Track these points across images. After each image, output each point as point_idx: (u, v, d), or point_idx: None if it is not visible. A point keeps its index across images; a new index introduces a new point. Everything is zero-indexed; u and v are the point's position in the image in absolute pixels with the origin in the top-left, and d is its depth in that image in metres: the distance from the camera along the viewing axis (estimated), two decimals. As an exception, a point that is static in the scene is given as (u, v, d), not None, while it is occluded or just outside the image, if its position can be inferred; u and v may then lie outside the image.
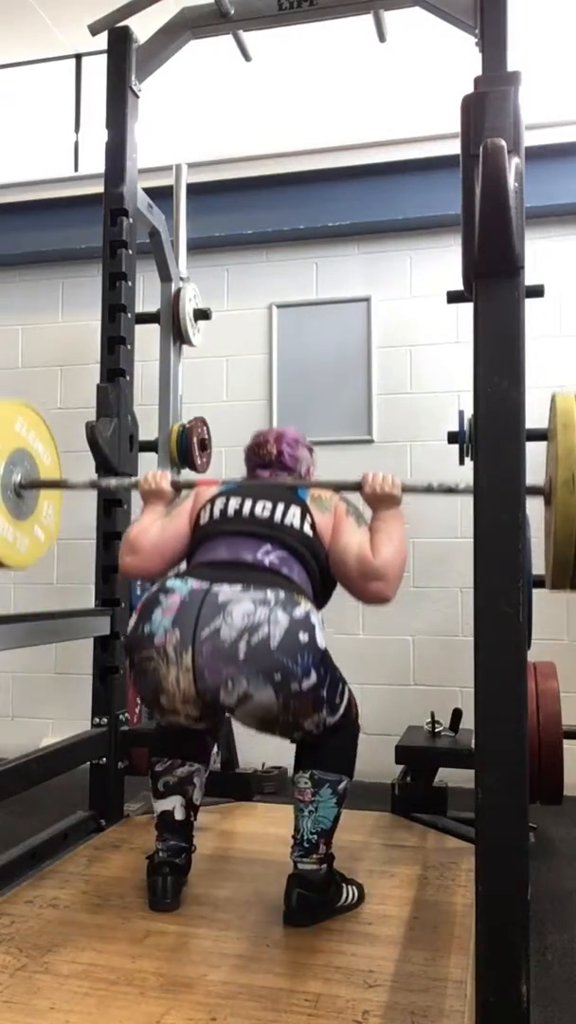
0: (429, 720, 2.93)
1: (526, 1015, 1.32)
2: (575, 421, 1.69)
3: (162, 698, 1.79)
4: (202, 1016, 1.50)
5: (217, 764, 3.00)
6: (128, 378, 2.81)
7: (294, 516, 2.01)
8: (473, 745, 1.53)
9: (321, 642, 1.81)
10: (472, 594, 1.46)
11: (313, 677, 1.77)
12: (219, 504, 2.06)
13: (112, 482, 2.47)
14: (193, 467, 3.38)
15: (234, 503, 2.05)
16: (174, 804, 2.01)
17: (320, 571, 2.01)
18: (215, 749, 3.00)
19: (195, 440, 3.33)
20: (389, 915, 1.96)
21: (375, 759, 3.76)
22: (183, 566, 2.11)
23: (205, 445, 3.44)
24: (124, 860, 2.30)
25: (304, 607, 1.81)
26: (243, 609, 1.74)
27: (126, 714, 2.77)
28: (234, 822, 2.69)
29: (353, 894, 2.00)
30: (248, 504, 2.03)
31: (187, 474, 3.42)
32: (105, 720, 2.68)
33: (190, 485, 2.24)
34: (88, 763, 2.64)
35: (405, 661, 3.94)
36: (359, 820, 2.66)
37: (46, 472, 2.38)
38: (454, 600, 3.88)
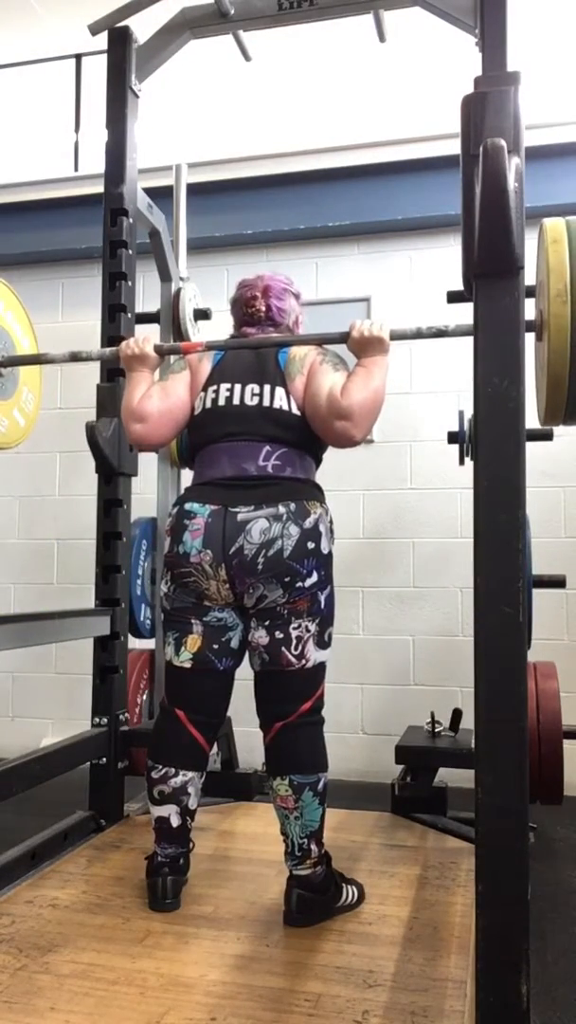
0: (429, 720, 2.93)
1: (526, 1015, 1.32)
2: (563, 236, 1.76)
3: (205, 601, 1.99)
4: (202, 1016, 1.50)
5: (217, 764, 3.01)
6: (128, 378, 2.81)
7: (281, 398, 2.04)
8: (473, 745, 1.53)
9: (325, 548, 1.98)
10: (472, 594, 1.46)
11: (315, 576, 1.95)
12: (211, 392, 2.08)
13: (94, 352, 2.43)
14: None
15: (224, 390, 2.07)
16: (169, 812, 1.99)
17: (309, 440, 2.06)
18: (215, 749, 3.00)
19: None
20: (389, 915, 1.96)
21: (375, 759, 3.79)
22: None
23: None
24: (124, 860, 2.29)
25: (313, 516, 1.95)
26: (260, 527, 1.91)
27: (126, 714, 2.77)
28: (234, 822, 2.69)
29: (353, 894, 2.00)
30: (238, 391, 2.06)
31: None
32: (105, 720, 2.68)
33: (175, 350, 2.23)
34: (88, 763, 2.64)
35: (405, 661, 3.94)
36: (359, 820, 2.66)
37: (24, 354, 2.35)
38: (454, 600, 3.88)
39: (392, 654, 3.94)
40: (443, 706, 3.06)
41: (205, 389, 2.10)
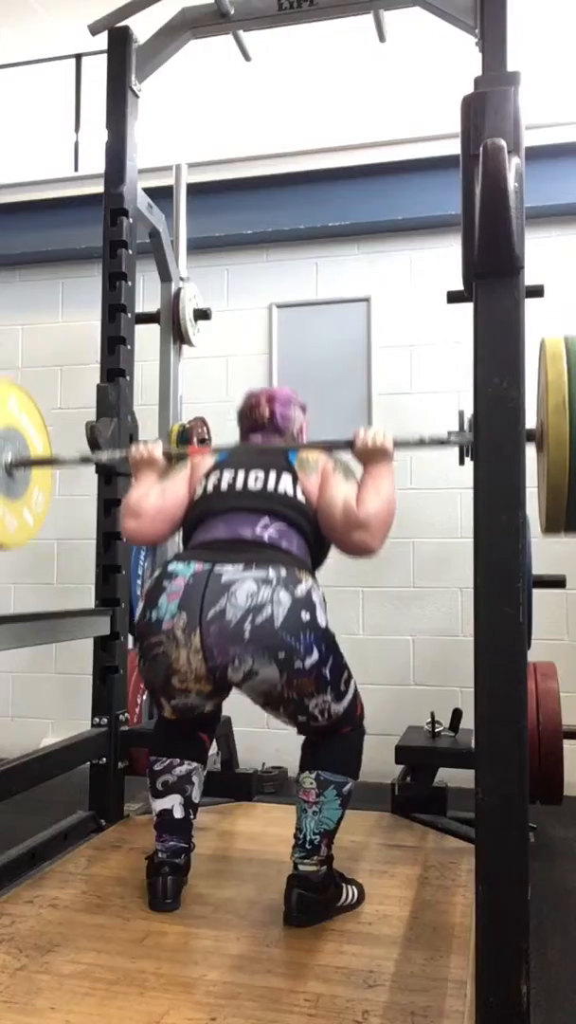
0: (429, 720, 2.93)
1: (526, 1015, 1.32)
2: (561, 353, 1.78)
3: (174, 679, 1.83)
4: (202, 1016, 1.50)
5: (217, 764, 3.00)
6: (128, 378, 2.81)
7: (286, 484, 2.02)
8: (473, 745, 1.53)
9: (322, 621, 1.84)
10: (472, 594, 1.46)
11: (315, 655, 1.80)
12: (213, 479, 2.07)
13: (103, 455, 2.46)
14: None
15: (228, 476, 2.05)
16: (173, 803, 2.01)
17: (314, 534, 2.02)
18: (215, 749, 3.00)
19: (195, 440, 3.33)
20: (389, 915, 1.96)
21: (375, 759, 3.76)
22: (180, 543, 2.11)
23: (205, 445, 3.45)
24: (124, 860, 2.29)
25: (305, 584, 1.84)
26: (246, 589, 1.78)
27: (126, 714, 2.77)
28: (234, 822, 2.68)
29: (353, 894, 2.00)
30: (241, 476, 2.04)
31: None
32: (105, 720, 2.68)
33: (182, 455, 2.24)
34: (88, 763, 2.64)
35: (405, 661, 3.94)
36: (359, 820, 2.66)
37: (37, 456, 2.37)
38: (454, 600, 3.88)
39: (392, 654, 3.94)
40: (443, 706, 3.05)
41: (207, 476, 2.09)
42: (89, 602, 2.83)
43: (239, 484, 2.03)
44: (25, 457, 2.31)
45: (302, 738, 2.01)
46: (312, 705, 1.86)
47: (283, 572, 1.82)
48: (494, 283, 1.49)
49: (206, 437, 3.46)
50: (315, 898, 1.90)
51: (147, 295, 3.39)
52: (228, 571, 1.81)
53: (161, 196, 3.27)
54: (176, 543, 2.53)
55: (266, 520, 1.96)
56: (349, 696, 1.95)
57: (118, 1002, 1.55)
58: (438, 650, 3.88)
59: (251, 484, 2.02)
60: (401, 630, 3.94)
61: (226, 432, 3.70)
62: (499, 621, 1.42)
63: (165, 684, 1.86)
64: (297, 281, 4.25)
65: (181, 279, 3.45)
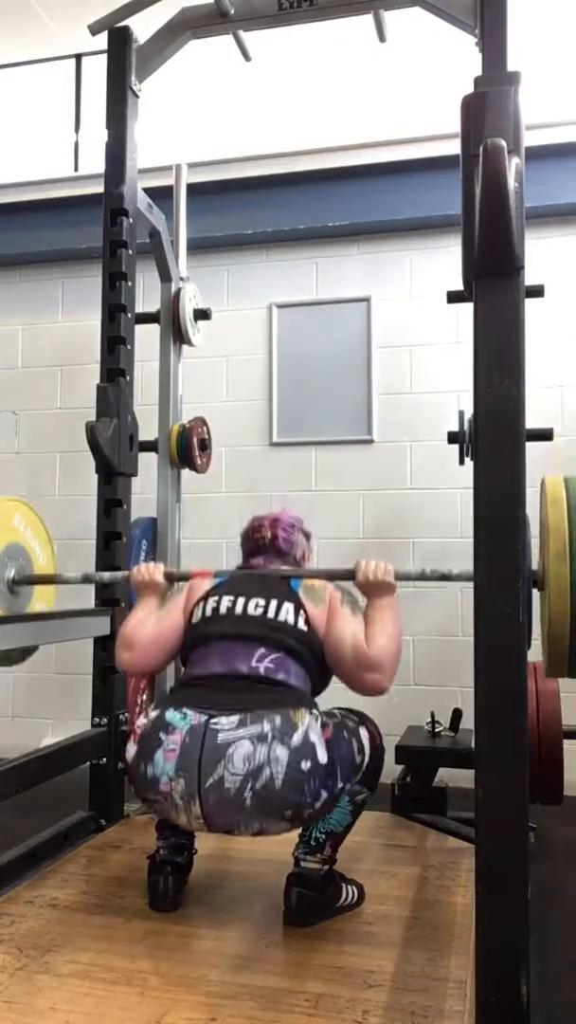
0: (429, 720, 2.93)
1: (526, 1015, 1.32)
2: (562, 497, 1.74)
3: (176, 825, 1.90)
4: (202, 1016, 1.50)
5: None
6: (128, 378, 2.81)
7: (287, 612, 2.00)
8: (473, 745, 1.53)
9: (322, 757, 1.78)
10: (472, 594, 1.46)
11: (323, 795, 1.79)
12: (212, 602, 2.05)
13: (105, 576, 2.52)
14: (193, 467, 3.37)
15: (227, 601, 2.03)
16: None
17: (316, 663, 2.00)
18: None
19: (195, 440, 3.33)
20: (389, 915, 1.96)
21: (375, 759, 3.78)
22: (171, 677, 2.10)
23: (205, 445, 3.44)
24: (124, 860, 2.29)
25: (302, 728, 1.78)
26: (243, 752, 1.73)
27: (126, 714, 2.77)
28: (234, 822, 2.68)
29: (353, 894, 2.00)
30: (241, 602, 2.02)
31: (183, 567, 3.43)
32: (105, 720, 2.68)
33: (184, 577, 2.23)
34: (88, 763, 2.64)
35: (405, 661, 3.92)
36: (359, 820, 2.65)
37: (40, 570, 2.41)
38: (454, 600, 3.88)
39: (392, 654, 3.93)
40: (443, 706, 3.05)
41: (205, 599, 2.07)
42: (89, 602, 2.83)
43: (238, 609, 2.01)
44: (28, 575, 2.35)
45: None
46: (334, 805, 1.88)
47: (278, 722, 1.76)
48: (494, 283, 1.49)
49: (206, 437, 3.45)
50: (315, 897, 1.90)
51: (147, 295, 3.39)
52: (223, 728, 1.76)
53: (161, 196, 3.27)
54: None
55: (262, 651, 1.94)
56: (367, 753, 1.94)
57: (118, 1002, 1.55)
58: (438, 650, 3.88)
59: (251, 610, 2.01)
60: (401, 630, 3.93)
61: (226, 432, 3.71)
62: (499, 621, 1.42)
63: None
64: (297, 281, 4.25)
65: (181, 279, 3.44)
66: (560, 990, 1.94)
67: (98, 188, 2.90)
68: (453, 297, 2.81)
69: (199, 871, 2.14)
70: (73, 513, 4.24)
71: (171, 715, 1.83)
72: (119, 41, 2.87)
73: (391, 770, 2.85)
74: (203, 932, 1.86)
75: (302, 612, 2.00)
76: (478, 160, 1.46)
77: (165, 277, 3.37)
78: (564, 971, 2.03)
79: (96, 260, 2.94)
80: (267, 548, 2.23)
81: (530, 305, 1.65)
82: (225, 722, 1.78)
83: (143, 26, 2.91)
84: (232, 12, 2.82)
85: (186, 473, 3.44)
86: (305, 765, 1.75)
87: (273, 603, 2.01)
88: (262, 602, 2.01)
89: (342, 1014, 1.52)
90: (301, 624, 1.99)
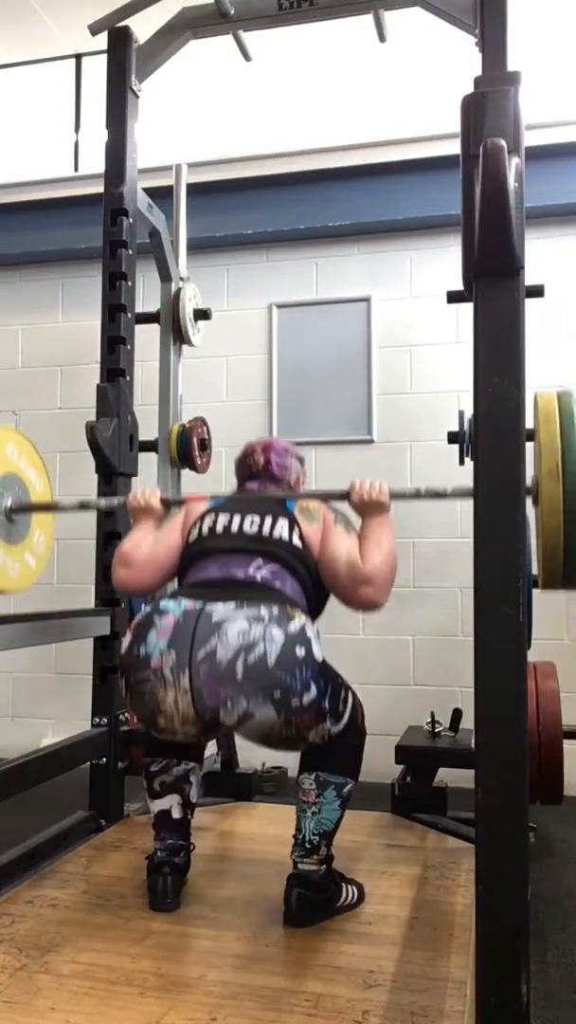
0: (429, 720, 2.93)
1: (526, 1015, 1.32)
2: (555, 414, 1.75)
3: (160, 719, 1.79)
4: (202, 1016, 1.50)
5: (217, 764, 3.01)
6: (128, 378, 2.81)
7: (282, 529, 2.01)
8: (473, 745, 1.53)
9: (318, 654, 1.80)
10: (472, 594, 1.46)
11: (313, 691, 1.76)
12: (208, 521, 2.06)
13: (102, 502, 2.50)
14: (193, 467, 3.38)
15: (223, 519, 2.05)
16: (171, 803, 2.01)
17: (312, 581, 2.00)
18: (215, 749, 3.00)
19: (195, 440, 3.33)
20: (389, 915, 1.96)
21: (375, 759, 3.75)
22: (174, 585, 2.11)
23: (205, 445, 3.44)
24: (124, 860, 2.30)
25: (298, 621, 1.80)
26: (238, 627, 1.74)
27: (126, 714, 2.77)
28: (234, 822, 2.68)
29: (353, 894, 2.00)
30: (237, 520, 2.03)
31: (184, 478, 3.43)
32: (105, 720, 2.68)
33: (180, 502, 2.23)
34: (88, 763, 2.64)
35: (405, 661, 3.94)
36: (359, 820, 2.66)
37: (37, 499, 2.40)
38: (454, 600, 3.88)
39: (392, 654, 3.93)
40: (443, 706, 3.05)
41: (201, 518, 2.08)
42: (89, 602, 2.83)
43: (234, 527, 2.02)
44: (25, 503, 2.33)
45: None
46: (312, 735, 1.85)
47: (275, 610, 1.79)
48: (494, 283, 1.49)
49: (206, 437, 3.46)
50: (315, 898, 1.90)
51: (147, 295, 3.39)
52: (219, 610, 1.78)
53: (161, 196, 3.27)
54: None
55: (260, 561, 1.95)
56: (348, 712, 1.94)
57: (118, 1002, 1.55)
58: (438, 650, 3.88)
59: (247, 528, 2.01)
60: (401, 630, 3.93)
61: (226, 432, 3.70)
62: (499, 621, 1.42)
63: (151, 721, 1.82)
64: (297, 281, 4.25)
65: (181, 279, 3.45)
66: (560, 990, 1.94)
67: (98, 188, 2.90)
68: (453, 297, 2.82)
69: (199, 871, 2.15)
70: (73, 513, 4.25)
71: (165, 603, 1.84)
72: (119, 41, 2.87)
73: (391, 770, 2.86)
74: (203, 932, 1.86)
75: (296, 528, 2.01)
76: (478, 160, 1.45)
77: (165, 277, 3.38)
78: (564, 971, 2.03)
79: (96, 260, 2.94)
80: (261, 474, 2.23)
81: (530, 305, 1.65)
82: (221, 607, 1.79)
83: (143, 26, 2.91)
84: (232, 12, 2.82)
85: (186, 473, 3.44)
86: (300, 652, 1.74)
87: (268, 520, 2.02)
88: (257, 519, 2.02)
89: (342, 1014, 1.52)
90: (296, 541, 2.00)
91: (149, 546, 2.10)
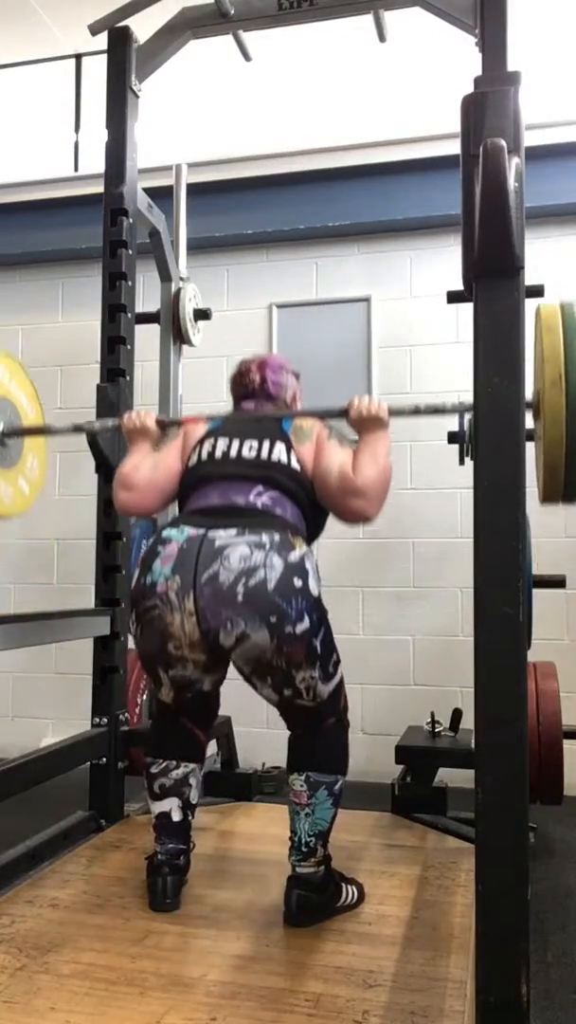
0: (429, 720, 2.93)
1: (526, 1015, 1.32)
2: (558, 324, 1.76)
3: (169, 645, 1.83)
4: (202, 1016, 1.50)
5: (217, 764, 3.01)
6: (128, 378, 2.81)
7: (280, 452, 2.02)
8: (473, 745, 1.53)
9: (314, 589, 1.84)
10: (472, 594, 1.46)
11: (306, 622, 1.80)
12: (207, 446, 2.07)
13: (96, 424, 2.46)
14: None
15: (222, 444, 2.05)
16: (171, 806, 2.01)
17: (309, 503, 2.02)
18: (215, 749, 3.00)
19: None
20: (389, 915, 1.95)
21: (375, 759, 3.78)
22: (175, 511, 2.11)
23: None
24: (124, 860, 2.29)
25: (299, 551, 1.83)
26: (240, 552, 1.78)
27: (126, 714, 2.77)
28: (234, 822, 2.68)
29: (353, 894, 2.00)
30: (236, 444, 2.04)
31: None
32: (105, 720, 2.68)
33: (176, 423, 2.24)
34: (88, 763, 2.64)
35: (405, 661, 3.94)
36: (359, 820, 2.66)
37: (29, 424, 2.38)
38: (454, 600, 3.88)
39: (392, 654, 3.94)
40: (443, 706, 3.05)
41: (200, 443, 2.09)
42: (89, 602, 2.83)
43: (233, 452, 2.03)
44: (17, 426, 2.31)
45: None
46: (299, 678, 1.86)
47: (276, 537, 1.82)
48: (494, 283, 1.49)
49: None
50: (315, 898, 1.90)
51: (147, 295, 3.39)
52: (221, 536, 1.81)
53: (161, 196, 3.27)
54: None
55: (260, 488, 1.96)
56: (335, 681, 1.96)
57: (118, 1002, 1.55)
58: (438, 650, 3.88)
59: (245, 452, 2.02)
60: (401, 630, 3.93)
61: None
62: (499, 621, 1.42)
63: (161, 650, 1.85)
64: (297, 281, 4.25)
65: (181, 279, 3.45)
66: (560, 990, 1.94)
67: (98, 188, 2.90)
68: (453, 297, 2.82)
69: (199, 871, 2.14)
70: (73, 513, 4.25)
71: (168, 532, 1.88)
72: (119, 41, 2.87)
73: (391, 770, 2.86)
74: (203, 932, 1.86)
75: (292, 452, 2.02)
76: (478, 160, 1.46)
77: (165, 277, 3.38)
78: (564, 971, 2.03)
79: (96, 260, 2.94)
80: (257, 392, 2.22)
81: (530, 305, 1.65)
82: (223, 533, 1.82)
83: (143, 26, 2.91)
84: (232, 12, 2.82)
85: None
86: (297, 582, 1.79)
87: (266, 443, 2.03)
88: (255, 443, 2.03)
89: (342, 1014, 1.51)
90: (294, 464, 2.01)
91: (149, 469, 2.10)
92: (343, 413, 2.08)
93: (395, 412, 2.08)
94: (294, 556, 1.82)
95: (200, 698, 2.03)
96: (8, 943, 1.78)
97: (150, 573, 1.84)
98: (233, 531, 1.82)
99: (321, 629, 1.87)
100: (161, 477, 2.09)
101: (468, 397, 1.60)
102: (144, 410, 2.24)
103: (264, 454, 2.01)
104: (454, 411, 2.05)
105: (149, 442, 2.18)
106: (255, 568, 1.76)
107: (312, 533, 2.05)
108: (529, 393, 1.79)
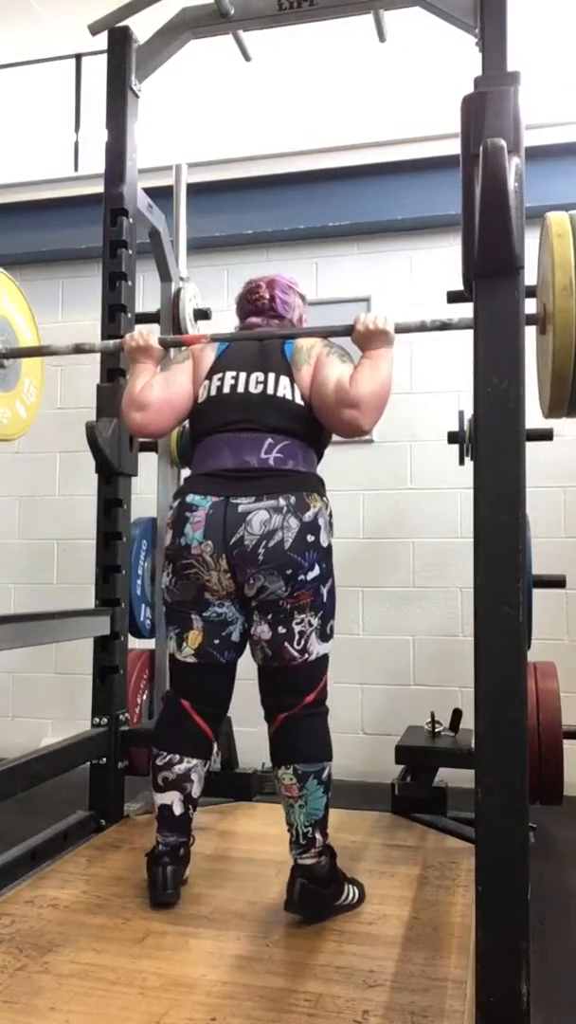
0: (429, 720, 2.93)
1: (526, 1015, 1.32)
2: (568, 231, 1.75)
3: (206, 593, 1.99)
4: (202, 1016, 1.50)
5: (217, 764, 3.00)
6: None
7: (285, 388, 2.05)
8: (473, 745, 1.53)
9: (324, 540, 1.99)
10: (472, 594, 1.46)
11: (316, 570, 1.96)
12: (216, 380, 2.10)
13: (97, 344, 2.45)
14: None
15: (229, 379, 2.08)
16: (172, 799, 2.02)
17: (315, 431, 2.08)
18: (214, 749, 2.99)
19: (195, 440, 3.32)
20: (389, 915, 1.96)
21: (375, 759, 3.79)
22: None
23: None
24: (124, 860, 2.30)
25: (313, 510, 1.96)
26: (260, 518, 1.92)
27: (126, 714, 2.77)
28: (234, 822, 2.69)
29: (354, 894, 2.00)
30: (243, 379, 2.07)
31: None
32: (105, 720, 2.68)
33: (178, 343, 2.24)
34: (88, 763, 2.64)
35: (405, 661, 3.94)
36: (359, 820, 2.66)
37: (26, 346, 2.36)
38: (454, 600, 3.88)
39: (392, 654, 3.93)
40: (443, 706, 3.05)
41: (209, 377, 2.12)
42: (89, 602, 2.83)
43: (240, 387, 2.07)
44: (14, 347, 2.29)
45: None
46: (296, 621, 1.95)
47: (292, 500, 1.94)
48: (494, 283, 1.49)
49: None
50: (318, 890, 1.90)
51: (147, 295, 3.39)
52: (243, 503, 1.94)
53: (161, 196, 3.27)
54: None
55: (270, 441, 2.02)
56: (326, 647, 2.01)
57: (118, 1002, 1.55)
58: (438, 650, 3.88)
59: (251, 387, 2.06)
60: (401, 630, 3.93)
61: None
62: (499, 621, 1.42)
63: (199, 597, 1.99)
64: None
65: (181, 279, 3.44)
66: (560, 990, 1.94)
67: (98, 188, 2.90)
68: (453, 297, 2.81)
69: (199, 871, 2.15)
70: (73, 513, 4.25)
71: (192, 498, 2.00)
72: (119, 41, 2.86)
73: (391, 770, 2.86)
74: (203, 932, 1.86)
75: (295, 384, 2.06)
76: (478, 160, 1.46)
77: (165, 277, 3.37)
78: (564, 971, 2.03)
79: (96, 260, 2.94)
80: (265, 310, 2.25)
81: (530, 305, 1.65)
82: (244, 500, 1.95)
83: (143, 26, 2.91)
84: (232, 12, 2.81)
85: (186, 473, 3.44)
86: (310, 538, 1.95)
87: (271, 377, 2.06)
88: (261, 377, 2.07)
89: (342, 1014, 1.52)
90: (298, 399, 2.05)
91: (160, 388, 2.12)
92: (349, 331, 2.09)
93: (401, 328, 2.10)
94: (309, 515, 1.96)
95: (218, 670, 2.04)
96: (8, 943, 1.78)
97: (183, 536, 1.97)
98: (252, 498, 1.94)
99: (329, 580, 2.02)
100: (175, 396, 2.12)
101: (468, 397, 1.61)
102: (147, 330, 2.24)
103: (270, 389, 2.05)
104: (459, 327, 2.06)
105: (152, 361, 2.20)
106: (274, 531, 1.92)
107: (320, 454, 2.16)
108: (532, 307, 1.79)
